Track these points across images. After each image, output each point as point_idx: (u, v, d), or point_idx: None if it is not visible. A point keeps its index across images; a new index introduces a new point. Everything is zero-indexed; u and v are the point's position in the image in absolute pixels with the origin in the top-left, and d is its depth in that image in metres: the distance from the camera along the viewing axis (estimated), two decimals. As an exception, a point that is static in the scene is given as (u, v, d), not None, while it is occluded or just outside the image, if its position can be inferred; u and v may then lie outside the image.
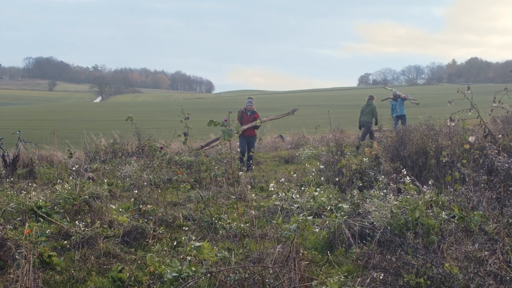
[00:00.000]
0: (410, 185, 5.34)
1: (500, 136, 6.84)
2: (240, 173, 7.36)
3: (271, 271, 3.78)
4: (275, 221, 5.32)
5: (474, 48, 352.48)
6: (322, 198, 6.17)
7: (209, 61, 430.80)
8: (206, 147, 10.46)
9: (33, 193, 6.79)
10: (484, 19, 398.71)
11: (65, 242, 5.17)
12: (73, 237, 5.15)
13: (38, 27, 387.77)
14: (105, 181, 8.34)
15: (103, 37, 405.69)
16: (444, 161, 6.85)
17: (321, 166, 8.28)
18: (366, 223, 5.04)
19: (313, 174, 7.78)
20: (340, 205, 5.81)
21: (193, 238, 5.19)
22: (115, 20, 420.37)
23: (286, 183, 6.99)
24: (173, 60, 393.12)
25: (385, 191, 5.70)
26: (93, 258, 4.71)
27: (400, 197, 5.15)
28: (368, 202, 5.52)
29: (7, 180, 8.89)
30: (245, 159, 10.90)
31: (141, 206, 6.44)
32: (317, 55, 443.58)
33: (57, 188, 7.09)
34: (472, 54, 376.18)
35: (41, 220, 5.93)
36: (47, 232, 5.32)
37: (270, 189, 6.42)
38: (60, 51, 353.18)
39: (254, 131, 11.40)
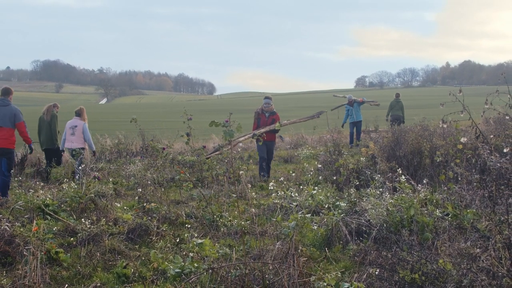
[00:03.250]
0: (405, 184, 5.34)
1: (492, 136, 6.84)
2: (241, 172, 7.33)
3: (270, 267, 3.78)
4: (274, 219, 5.32)
5: (465, 52, 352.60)
6: (320, 197, 6.17)
7: (209, 64, 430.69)
8: (211, 154, 9.88)
9: (41, 191, 6.80)
10: (474, 24, 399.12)
11: (72, 239, 5.17)
12: (79, 234, 5.15)
13: (44, 31, 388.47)
14: (110, 180, 8.34)
15: (107, 40, 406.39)
16: (438, 160, 6.84)
17: (319, 166, 8.28)
18: (363, 220, 5.04)
19: (312, 173, 7.79)
20: (338, 203, 5.81)
21: (196, 235, 5.19)
22: (118, 25, 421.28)
23: (285, 182, 7.00)
24: (174, 63, 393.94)
25: (381, 189, 5.70)
26: (98, 254, 4.71)
27: (396, 196, 5.15)
28: (364, 200, 5.52)
29: (16, 179, 8.89)
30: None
31: (145, 204, 6.44)
32: (313, 58, 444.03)
33: (64, 187, 7.09)
34: (463, 57, 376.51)
35: (49, 217, 5.93)
36: (54, 229, 5.33)
37: (270, 188, 6.42)
38: (65, 54, 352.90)
39: (274, 135, 9.90)
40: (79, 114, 9.52)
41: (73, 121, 9.45)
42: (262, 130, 9.37)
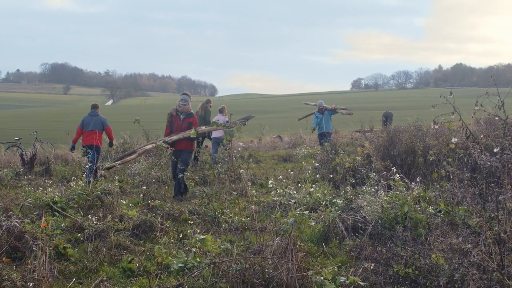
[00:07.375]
0: (400, 182, 5.33)
1: (482, 136, 6.83)
2: (241, 170, 7.27)
3: (270, 262, 3.78)
4: (274, 216, 5.32)
5: (454, 55, 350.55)
6: (318, 194, 6.17)
7: (209, 67, 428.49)
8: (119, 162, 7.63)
9: (49, 189, 6.79)
10: (462, 28, 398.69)
11: (79, 235, 5.18)
12: (86, 230, 5.15)
13: (51, 36, 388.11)
14: (116, 178, 8.34)
15: (110, 44, 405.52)
16: (431, 159, 6.83)
17: (317, 164, 8.28)
18: (359, 217, 5.04)
19: (309, 171, 7.79)
20: (334, 200, 5.81)
21: (198, 231, 5.19)
22: (121, 29, 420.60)
23: (284, 180, 6.99)
24: (176, 66, 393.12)
25: (376, 187, 5.70)
26: (105, 249, 4.71)
27: (390, 193, 5.15)
28: (360, 197, 5.52)
29: (25, 177, 8.90)
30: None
31: (149, 201, 6.44)
32: (309, 61, 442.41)
33: (72, 185, 7.09)
34: (453, 60, 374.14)
35: (57, 214, 5.94)
36: (62, 225, 5.33)
37: (269, 185, 6.42)
38: (72, 57, 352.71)
39: (191, 143, 7.55)
40: (221, 111, 11.22)
41: (217, 117, 11.04)
42: (175, 137, 7.33)
